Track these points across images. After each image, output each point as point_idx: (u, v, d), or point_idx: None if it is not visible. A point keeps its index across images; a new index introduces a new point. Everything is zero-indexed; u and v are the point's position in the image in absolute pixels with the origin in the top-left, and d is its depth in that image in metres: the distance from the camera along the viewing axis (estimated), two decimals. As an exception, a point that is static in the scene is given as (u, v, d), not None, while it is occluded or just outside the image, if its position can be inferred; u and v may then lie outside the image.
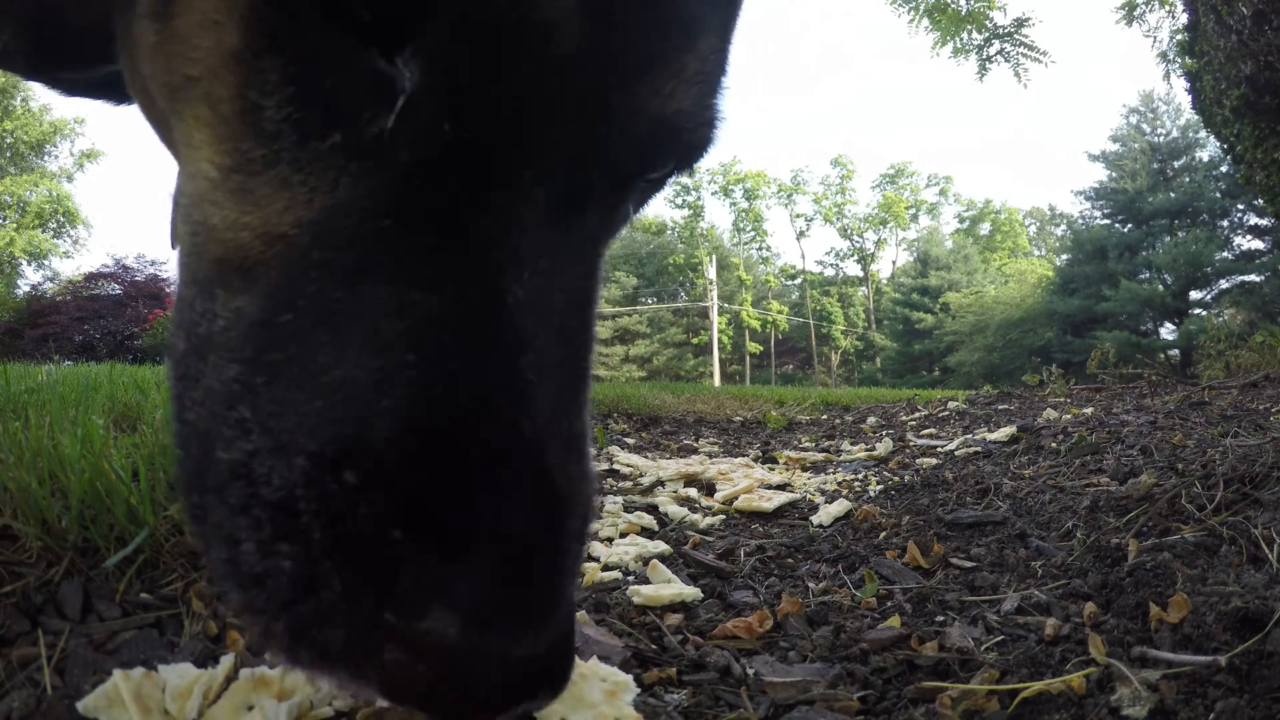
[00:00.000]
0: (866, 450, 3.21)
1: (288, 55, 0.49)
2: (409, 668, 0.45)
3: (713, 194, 46.04)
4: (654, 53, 0.54)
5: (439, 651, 0.44)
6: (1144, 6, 8.49)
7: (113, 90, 1.03)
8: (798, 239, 54.01)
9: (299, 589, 0.46)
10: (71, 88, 1.02)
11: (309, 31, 0.49)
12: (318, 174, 0.50)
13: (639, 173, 0.59)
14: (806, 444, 3.61)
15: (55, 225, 29.57)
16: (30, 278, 27.69)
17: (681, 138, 0.57)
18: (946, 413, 4.69)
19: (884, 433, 3.86)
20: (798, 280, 47.33)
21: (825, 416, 5.29)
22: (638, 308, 43.94)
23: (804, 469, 2.83)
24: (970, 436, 3.25)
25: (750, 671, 1.06)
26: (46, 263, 28.62)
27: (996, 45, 8.17)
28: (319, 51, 0.49)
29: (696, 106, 0.57)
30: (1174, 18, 8.16)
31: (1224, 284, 25.40)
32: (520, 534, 0.47)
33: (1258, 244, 25.90)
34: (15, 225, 28.18)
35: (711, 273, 41.35)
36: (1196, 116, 7.37)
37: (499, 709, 0.47)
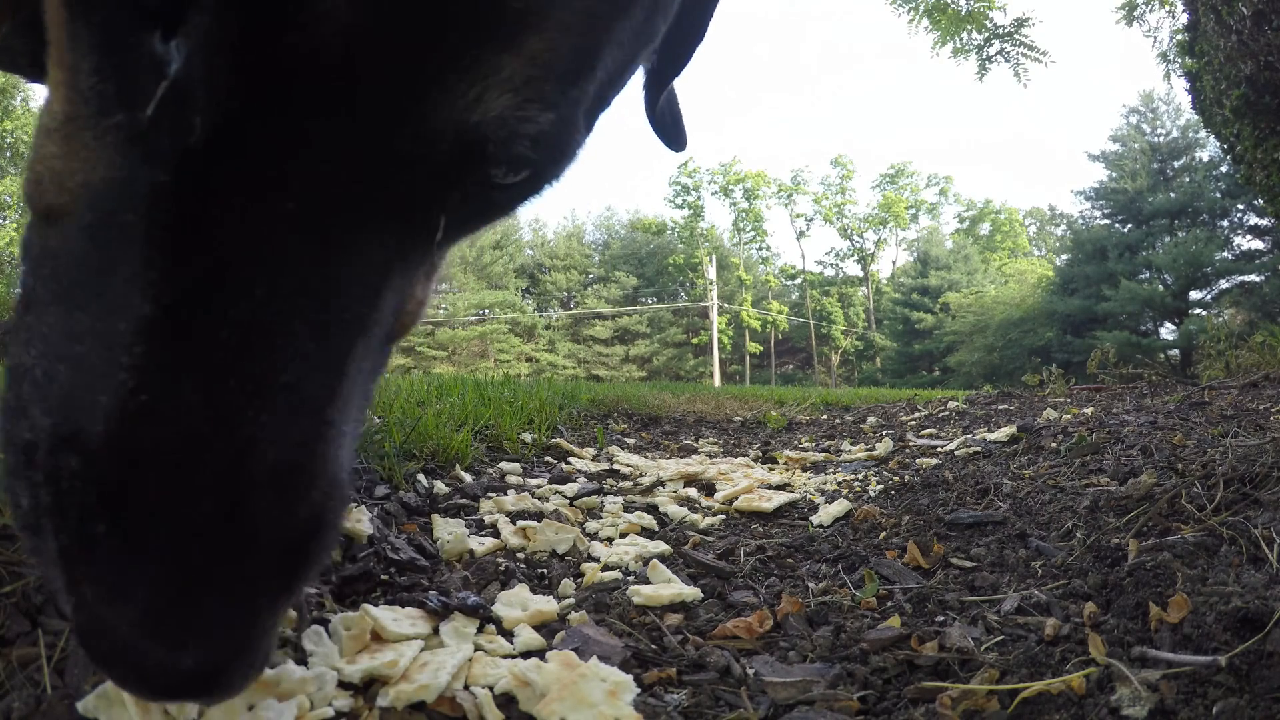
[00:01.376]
0: (866, 450, 3.21)
1: (91, 23, 0.49)
2: (90, 636, 0.48)
3: (713, 194, 46.06)
4: (452, 51, 0.48)
5: (110, 638, 0.47)
6: (1144, 6, 8.50)
7: None
8: (798, 239, 54.01)
9: (39, 532, 0.50)
10: None
11: (105, 3, 0.48)
12: (103, 148, 0.50)
13: (453, 183, 0.53)
14: (806, 444, 3.61)
15: (55, 225, 29.58)
16: (30, 278, 27.69)
17: (491, 149, 0.52)
18: (946, 413, 4.69)
19: (884, 433, 3.86)
20: (798, 280, 47.32)
21: (825, 416, 5.29)
22: (638, 308, 43.96)
23: (804, 469, 2.83)
24: (970, 436, 3.25)
25: (750, 671, 1.06)
26: (46, 263, 28.64)
27: (996, 45, 8.18)
28: (113, 24, 0.48)
29: (514, 115, 0.51)
30: (1174, 18, 8.17)
31: (1224, 284, 25.40)
32: (198, 555, 0.47)
33: (1258, 244, 25.90)
34: (15, 225, 28.18)
35: (711, 273, 41.34)
36: (1196, 116, 7.37)
37: (160, 697, 0.54)
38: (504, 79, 0.50)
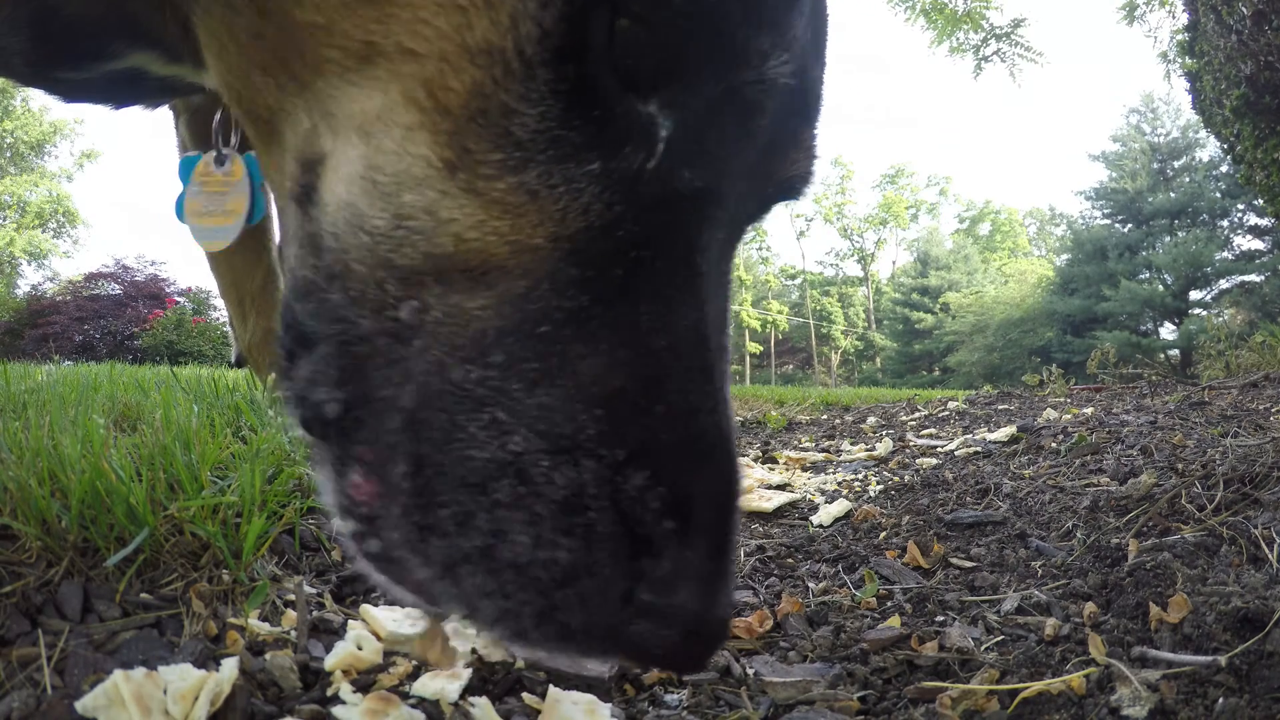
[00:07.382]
0: (866, 450, 3.21)
1: (559, 70, 0.51)
2: (655, 635, 0.54)
3: (712, 194, 45.89)
4: (797, 131, 0.66)
5: (683, 621, 0.53)
6: (1144, 6, 8.50)
7: (112, 92, 1.03)
8: (797, 239, 54.01)
9: (571, 576, 0.52)
10: (70, 91, 1.01)
11: (580, 53, 0.51)
12: (571, 194, 0.53)
13: (757, 217, 0.73)
14: (806, 444, 3.61)
15: (55, 225, 29.55)
16: (30, 278, 27.64)
17: (793, 194, 0.72)
18: (946, 413, 4.69)
19: (884, 433, 3.86)
20: (798, 280, 47.27)
21: (825, 416, 5.29)
22: (638, 308, 43.80)
23: (804, 469, 2.83)
24: (970, 436, 3.25)
25: (750, 671, 1.06)
26: (46, 263, 28.60)
27: (993, 45, 8.17)
28: (587, 78, 0.52)
29: (808, 171, 0.71)
30: (1174, 18, 8.17)
31: (1224, 284, 25.40)
32: (726, 519, 0.57)
33: (1258, 244, 25.90)
34: (15, 225, 28.16)
35: (711, 273, 41.23)
36: (1196, 116, 7.36)
37: (710, 656, 0.60)
38: (808, 148, 0.69)
